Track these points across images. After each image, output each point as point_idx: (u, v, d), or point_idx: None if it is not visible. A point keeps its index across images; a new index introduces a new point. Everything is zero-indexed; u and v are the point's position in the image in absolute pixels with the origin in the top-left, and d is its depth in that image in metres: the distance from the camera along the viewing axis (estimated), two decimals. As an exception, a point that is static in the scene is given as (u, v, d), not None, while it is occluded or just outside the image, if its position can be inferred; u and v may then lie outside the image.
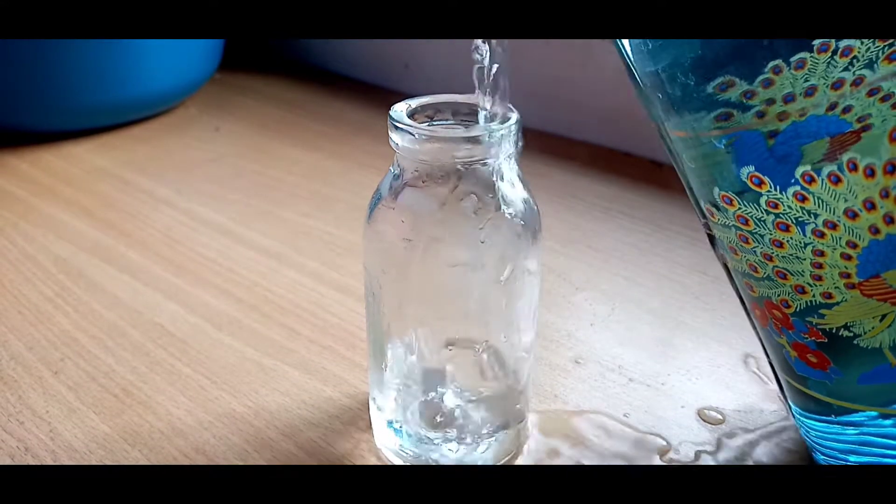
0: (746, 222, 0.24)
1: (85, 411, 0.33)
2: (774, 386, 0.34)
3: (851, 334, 0.24)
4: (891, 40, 0.21)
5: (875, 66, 0.21)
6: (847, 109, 0.22)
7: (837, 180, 0.22)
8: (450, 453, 0.29)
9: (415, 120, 0.26)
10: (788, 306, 0.25)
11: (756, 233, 0.24)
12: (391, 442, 0.30)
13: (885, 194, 0.22)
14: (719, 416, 0.32)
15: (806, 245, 0.23)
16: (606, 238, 0.47)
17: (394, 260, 0.27)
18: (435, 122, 0.27)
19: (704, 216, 0.26)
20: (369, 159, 0.59)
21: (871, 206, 0.22)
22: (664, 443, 0.31)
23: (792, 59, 0.21)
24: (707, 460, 0.30)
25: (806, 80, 0.22)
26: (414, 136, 0.25)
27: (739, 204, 0.24)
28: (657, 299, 0.41)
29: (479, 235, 0.26)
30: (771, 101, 0.22)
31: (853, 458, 0.27)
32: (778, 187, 0.23)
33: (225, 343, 0.37)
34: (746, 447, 0.31)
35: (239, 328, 0.38)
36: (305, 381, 0.35)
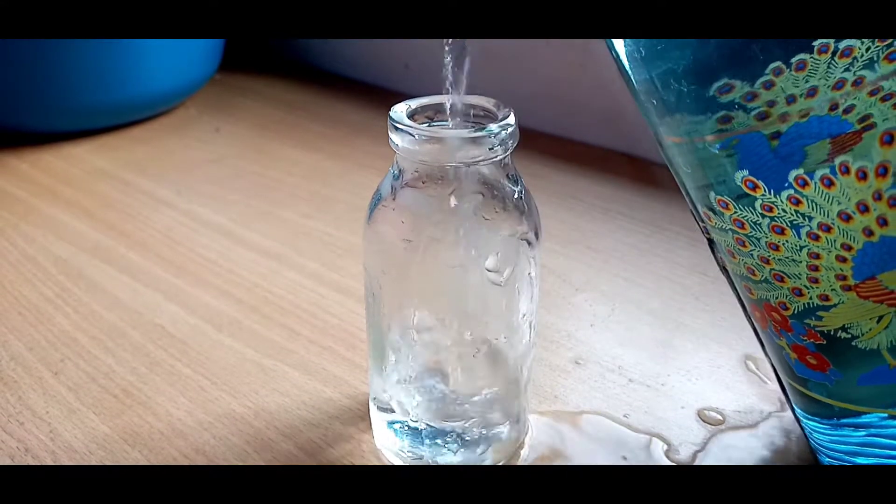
0: (742, 226, 0.24)
1: (85, 412, 0.33)
2: (774, 386, 0.34)
3: (849, 336, 0.24)
4: (890, 40, 0.21)
5: (875, 66, 0.21)
6: (848, 110, 0.22)
7: (830, 183, 0.22)
8: (450, 454, 0.29)
9: (415, 121, 0.26)
10: (786, 308, 0.25)
11: (752, 236, 0.24)
12: (391, 442, 0.30)
13: (877, 197, 0.22)
14: (719, 417, 0.32)
15: (801, 248, 0.24)
16: (606, 239, 0.47)
17: (394, 260, 0.27)
18: (435, 123, 0.27)
19: (702, 220, 0.26)
20: (369, 160, 0.59)
21: (864, 208, 0.22)
22: (664, 443, 0.31)
23: (792, 61, 0.21)
24: (707, 461, 0.30)
25: (807, 81, 0.22)
26: (414, 136, 0.25)
27: (735, 208, 0.24)
28: (657, 300, 0.41)
29: (479, 236, 0.26)
30: (772, 103, 0.22)
31: (859, 461, 0.27)
32: (772, 191, 0.23)
33: (225, 344, 0.37)
34: (746, 447, 0.31)
35: (239, 329, 0.38)
36: (305, 381, 0.35)
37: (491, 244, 0.26)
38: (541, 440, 0.31)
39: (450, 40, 0.25)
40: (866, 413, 0.26)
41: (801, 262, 0.24)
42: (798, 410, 0.28)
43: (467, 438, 0.29)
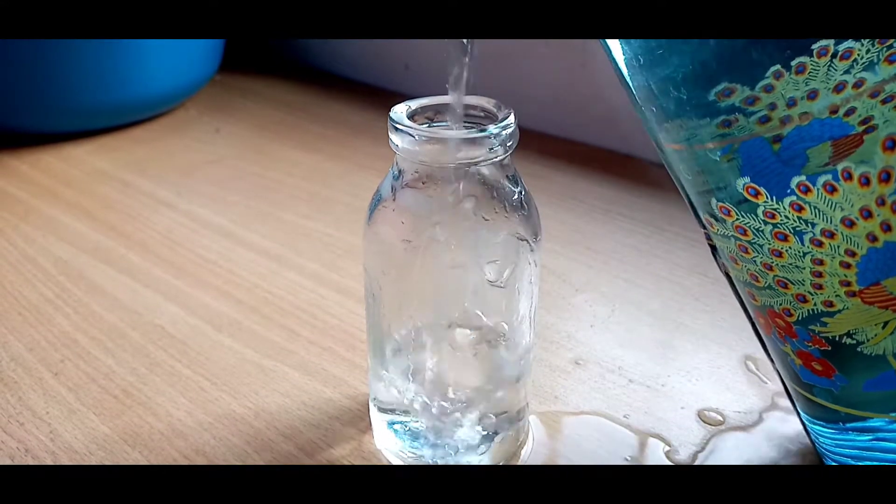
0: (745, 232, 0.24)
1: (85, 412, 0.33)
2: (773, 387, 0.34)
3: (854, 342, 0.24)
4: (890, 41, 0.21)
5: (876, 68, 0.21)
6: (850, 112, 0.21)
7: (833, 189, 0.22)
8: (450, 454, 0.29)
9: (415, 121, 0.26)
10: (791, 315, 0.25)
11: (755, 243, 0.24)
12: (391, 443, 0.30)
13: (881, 202, 0.22)
14: (719, 418, 0.32)
15: (805, 254, 0.23)
16: (606, 240, 0.47)
17: (394, 261, 0.27)
18: (435, 124, 0.27)
19: (704, 227, 0.26)
20: (369, 161, 0.59)
21: (867, 214, 0.22)
22: (664, 444, 0.31)
23: (792, 64, 0.21)
24: (707, 461, 0.30)
25: (807, 84, 0.22)
26: (414, 137, 0.25)
27: (737, 214, 0.24)
28: (657, 301, 0.41)
29: (479, 237, 0.26)
30: (773, 106, 0.22)
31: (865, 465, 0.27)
32: (774, 197, 0.23)
33: (225, 344, 0.37)
34: (747, 448, 0.31)
35: (239, 330, 0.38)
36: (305, 382, 0.35)
37: (491, 245, 0.26)
38: (541, 441, 0.31)
39: (465, 41, 0.25)
40: (872, 418, 0.26)
41: (804, 268, 0.24)
42: (803, 415, 0.28)
43: (467, 439, 0.29)
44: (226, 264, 0.44)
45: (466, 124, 0.27)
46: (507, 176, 0.27)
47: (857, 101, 0.21)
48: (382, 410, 0.30)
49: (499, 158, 0.26)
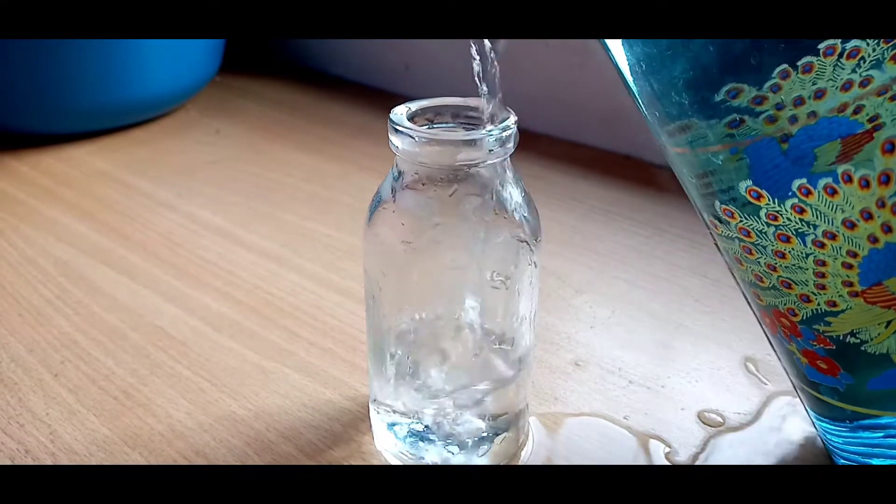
0: (748, 234, 0.25)
1: (85, 414, 0.33)
2: (773, 387, 0.34)
3: (858, 341, 0.24)
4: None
5: (882, 66, 0.21)
6: (858, 110, 0.22)
7: (833, 192, 0.22)
8: (450, 456, 0.29)
9: (415, 123, 0.26)
10: (795, 315, 0.25)
11: (758, 244, 0.25)
12: (391, 444, 0.30)
13: (881, 204, 0.22)
14: (719, 419, 0.32)
15: (807, 255, 0.24)
16: (606, 241, 0.47)
17: (394, 262, 0.27)
18: (435, 125, 0.27)
19: (708, 228, 0.27)
20: (369, 162, 0.59)
21: (868, 216, 0.22)
22: (664, 445, 0.31)
23: (798, 63, 0.21)
24: (707, 462, 0.30)
25: (814, 84, 0.22)
26: (414, 138, 0.25)
27: (740, 217, 0.24)
28: (657, 302, 0.41)
29: (479, 238, 0.26)
30: (781, 106, 0.22)
31: (876, 462, 0.27)
32: (776, 200, 0.23)
33: (225, 346, 0.37)
34: (747, 449, 0.31)
35: (239, 331, 0.38)
36: (306, 383, 0.35)
37: (491, 246, 0.26)
38: (541, 442, 0.31)
39: (486, 42, 0.25)
40: (879, 416, 0.26)
41: (807, 269, 0.24)
42: (811, 413, 0.29)
43: (467, 440, 0.29)
44: (226, 265, 0.44)
45: (466, 125, 0.27)
46: (507, 177, 0.27)
47: (865, 99, 0.21)
48: (383, 412, 0.30)
49: (499, 160, 0.26)
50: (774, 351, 0.29)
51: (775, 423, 0.32)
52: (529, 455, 0.31)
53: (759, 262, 0.25)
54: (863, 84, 0.21)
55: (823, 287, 0.24)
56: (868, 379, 0.25)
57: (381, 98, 0.73)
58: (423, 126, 0.27)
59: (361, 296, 0.36)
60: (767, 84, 0.22)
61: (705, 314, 0.40)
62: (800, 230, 0.23)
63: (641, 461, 0.30)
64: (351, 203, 0.52)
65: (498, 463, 0.30)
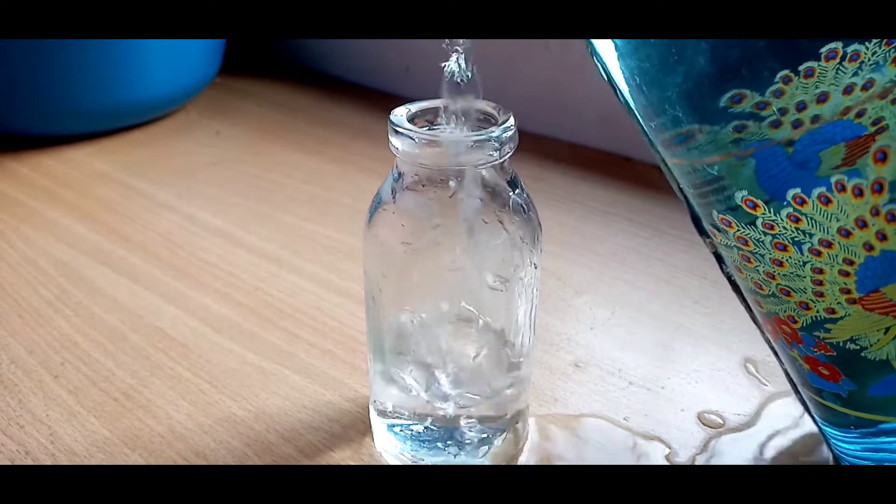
0: (746, 243, 0.25)
1: (85, 415, 0.33)
2: (773, 388, 0.34)
3: (858, 347, 0.25)
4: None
5: (882, 69, 0.21)
6: (861, 113, 0.22)
7: (828, 201, 0.23)
8: (450, 457, 0.29)
9: (415, 124, 0.26)
10: (795, 322, 0.25)
11: (756, 253, 0.25)
12: (391, 446, 0.30)
13: (875, 212, 0.22)
14: (719, 420, 0.32)
15: (804, 263, 0.24)
16: (606, 242, 0.47)
17: (394, 264, 0.27)
18: (435, 127, 0.27)
19: (707, 236, 0.27)
20: (369, 163, 0.59)
21: (862, 224, 0.23)
22: (664, 446, 0.31)
23: (800, 69, 0.22)
24: (707, 463, 0.30)
25: (816, 88, 0.22)
26: (414, 140, 0.25)
27: (738, 226, 0.25)
28: (657, 303, 0.41)
29: (479, 239, 0.26)
30: (784, 111, 0.22)
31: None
32: (772, 209, 0.23)
33: (225, 347, 0.37)
34: (747, 450, 0.31)
35: (239, 332, 0.38)
36: (306, 384, 0.35)
37: (491, 247, 0.26)
38: (540, 443, 0.31)
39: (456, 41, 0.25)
40: (883, 422, 0.26)
41: (805, 276, 0.24)
42: (817, 418, 0.29)
43: (467, 441, 0.29)
44: (226, 266, 0.44)
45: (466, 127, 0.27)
46: (506, 178, 0.27)
47: (868, 102, 0.22)
48: (382, 413, 0.30)
49: (498, 161, 0.26)
50: (777, 357, 0.29)
51: (775, 424, 0.32)
52: (529, 457, 0.31)
53: (757, 271, 0.25)
54: (865, 87, 0.21)
55: (822, 294, 0.24)
56: (870, 385, 0.25)
57: (382, 99, 0.73)
58: (423, 127, 0.27)
59: (361, 297, 0.36)
60: (770, 89, 0.22)
61: (705, 315, 0.40)
62: (796, 239, 0.24)
63: (641, 462, 0.30)
64: (351, 204, 0.52)
65: (498, 464, 0.30)
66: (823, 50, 0.21)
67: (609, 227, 0.49)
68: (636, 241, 0.47)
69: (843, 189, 0.22)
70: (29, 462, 0.30)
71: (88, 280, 0.43)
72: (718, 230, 0.25)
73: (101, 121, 0.63)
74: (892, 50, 0.21)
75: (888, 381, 0.25)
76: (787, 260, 0.24)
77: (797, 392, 0.29)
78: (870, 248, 0.23)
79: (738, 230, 0.25)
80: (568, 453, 0.31)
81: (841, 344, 0.25)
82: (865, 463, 0.27)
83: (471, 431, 0.29)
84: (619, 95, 0.25)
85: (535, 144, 0.60)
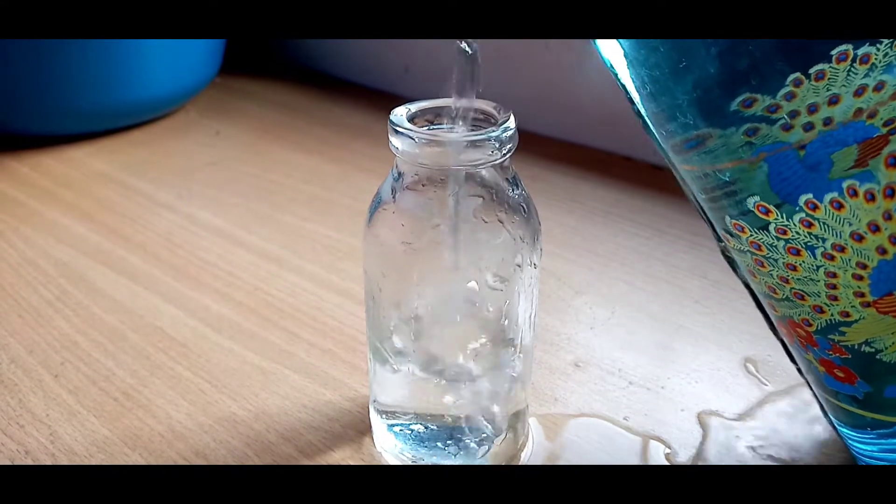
0: (759, 248, 0.25)
1: (85, 415, 0.33)
2: (773, 388, 0.34)
3: (873, 350, 0.25)
4: None
5: (894, 70, 0.21)
6: (873, 114, 0.22)
7: (840, 206, 0.23)
8: (450, 457, 0.29)
9: (415, 124, 0.26)
10: (810, 325, 0.25)
11: (770, 257, 0.25)
12: (391, 445, 0.30)
13: (887, 216, 0.22)
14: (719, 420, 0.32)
15: (818, 268, 0.24)
16: (607, 242, 0.47)
17: (394, 263, 0.27)
18: (435, 126, 0.27)
19: (720, 241, 0.27)
20: (369, 163, 0.59)
21: (875, 228, 0.23)
22: (664, 446, 0.31)
23: (811, 71, 0.22)
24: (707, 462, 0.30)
25: (828, 90, 0.22)
26: (414, 139, 0.25)
27: (750, 231, 0.25)
28: (657, 303, 0.41)
29: (479, 239, 0.26)
30: (795, 113, 0.22)
31: None
32: (784, 215, 0.23)
33: (225, 347, 0.37)
34: (746, 449, 0.31)
35: (239, 332, 0.38)
36: (305, 384, 0.35)
37: (491, 247, 0.26)
38: (540, 443, 0.31)
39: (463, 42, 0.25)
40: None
41: (819, 280, 0.24)
42: (833, 420, 0.29)
43: (467, 441, 0.29)
44: (226, 266, 0.44)
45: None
46: (506, 178, 0.27)
47: (880, 104, 0.22)
48: (382, 413, 0.30)
49: (499, 161, 0.26)
50: (793, 361, 0.29)
51: (775, 424, 0.32)
52: (529, 456, 0.31)
53: (771, 275, 0.25)
54: (877, 88, 0.21)
55: (836, 298, 0.24)
56: (885, 387, 0.25)
57: (381, 99, 0.73)
58: (423, 127, 0.27)
59: (361, 297, 0.36)
60: (781, 92, 0.22)
61: (705, 315, 0.40)
62: (809, 243, 0.24)
63: (641, 462, 0.30)
64: (351, 204, 0.52)
65: (497, 464, 0.30)
66: (834, 52, 0.21)
67: (609, 226, 0.49)
68: (636, 241, 0.47)
69: (854, 194, 0.22)
70: (29, 462, 0.30)
71: (88, 280, 0.43)
72: (731, 235, 0.25)
73: (101, 121, 0.63)
74: None
75: None
76: (800, 264, 0.24)
77: (814, 394, 0.29)
78: (883, 251, 0.23)
79: (751, 235, 0.25)
80: (568, 453, 0.31)
81: (856, 347, 0.25)
82: (882, 464, 0.27)
83: (471, 431, 0.29)
84: (631, 103, 0.25)
85: (535, 144, 0.59)
